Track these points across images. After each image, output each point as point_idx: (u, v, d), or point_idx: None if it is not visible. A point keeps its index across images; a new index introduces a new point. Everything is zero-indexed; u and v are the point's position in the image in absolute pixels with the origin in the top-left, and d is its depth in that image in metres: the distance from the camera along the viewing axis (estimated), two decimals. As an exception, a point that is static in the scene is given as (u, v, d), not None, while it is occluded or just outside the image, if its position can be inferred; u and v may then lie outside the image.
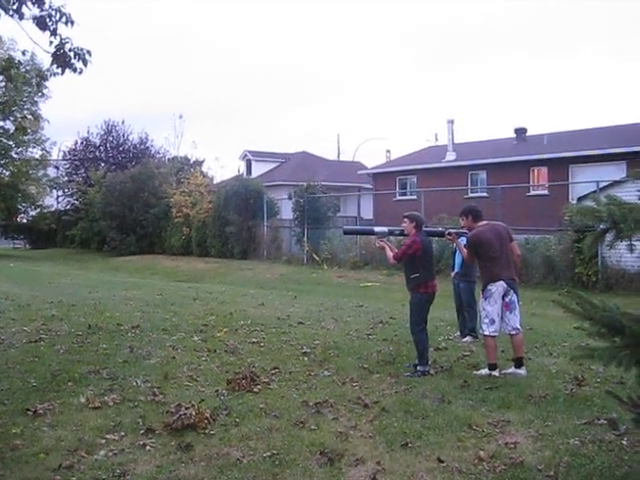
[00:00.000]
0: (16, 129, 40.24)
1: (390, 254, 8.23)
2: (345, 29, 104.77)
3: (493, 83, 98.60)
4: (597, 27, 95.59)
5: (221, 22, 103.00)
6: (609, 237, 3.65)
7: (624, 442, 5.24)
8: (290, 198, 29.12)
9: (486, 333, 7.68)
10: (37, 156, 44.49)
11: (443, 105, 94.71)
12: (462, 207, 8.45)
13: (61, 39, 7.18)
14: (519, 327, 7.77)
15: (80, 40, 7.35)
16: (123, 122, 50.15)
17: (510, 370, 7.69)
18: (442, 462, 4.94)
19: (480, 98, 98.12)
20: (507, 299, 7.69)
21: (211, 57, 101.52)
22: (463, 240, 8.56)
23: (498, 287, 7.63)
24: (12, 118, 40.99)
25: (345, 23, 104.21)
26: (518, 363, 7.71)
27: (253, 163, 45.94)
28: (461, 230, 8.74)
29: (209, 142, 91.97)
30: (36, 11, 7.07)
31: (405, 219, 8.15)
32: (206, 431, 5.61)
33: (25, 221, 51.21)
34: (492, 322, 7.63)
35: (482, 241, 7.71)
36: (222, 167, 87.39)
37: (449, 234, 8.54)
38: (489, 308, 7.65)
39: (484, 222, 7.96)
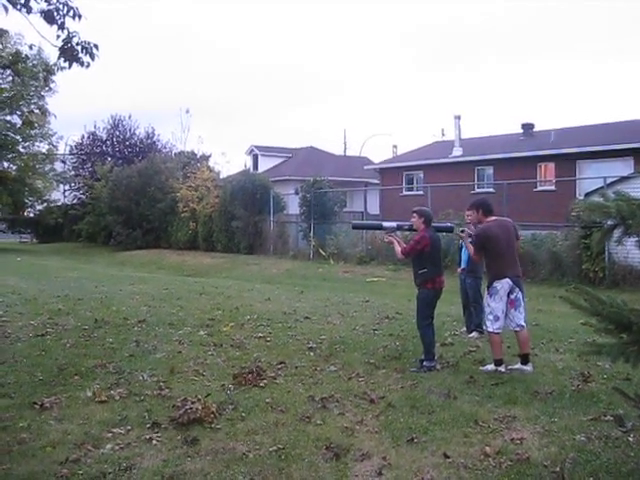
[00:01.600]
0: (23, 123, 40.36)
1: (398, 249, 8.23)
2: (350, 26, 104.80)
3: (500, 79, 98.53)
4: (604, 24, 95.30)
5: (225, 21, 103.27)
6: (617, 233, 3.63)
7: (630, 438, 5.23)
8: (297, 193, 29.10)
9: (490, 330, 7.66)
10: (44, 150, 44.64)
11: (450, 101, 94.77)
12: (474, 200, 8.41)
13: (68, 33, 7.18)
14: (524, 324, 7.76)
15: (86, 36, 7.36)
16: (130, 117, 50.37)
17: (516, 366, 7.67)
18: (448, 457, 4.94)
19: (487, 94, 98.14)
20: (512, 296, 7.67)
21: (216, 55, 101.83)
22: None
23: (504, 284, 7.61)
24: (19, 112, 41.10)
25: (349, 21, 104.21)
26: (524, 359, 7.70)
27: (260, 158, 45.91)
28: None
29: (216, 137, 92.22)
30: (44, 5, 7.08)
31: (414, 214, 8.13)
32: (212, 425, 5.62)
33: (32, 215, 51.33)
34: (496, 319, 7.61)
35: (489, 237, 7.67)
36: (228, 162, 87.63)
37: (462, 231, 8.49)
38: (494, 305, 7.63)
39: (493, 218, 7.91)
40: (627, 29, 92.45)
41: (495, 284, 7.61)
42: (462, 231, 8.52)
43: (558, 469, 4.64)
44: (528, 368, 7.64)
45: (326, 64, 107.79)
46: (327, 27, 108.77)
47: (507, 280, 7.59)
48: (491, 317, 7.64)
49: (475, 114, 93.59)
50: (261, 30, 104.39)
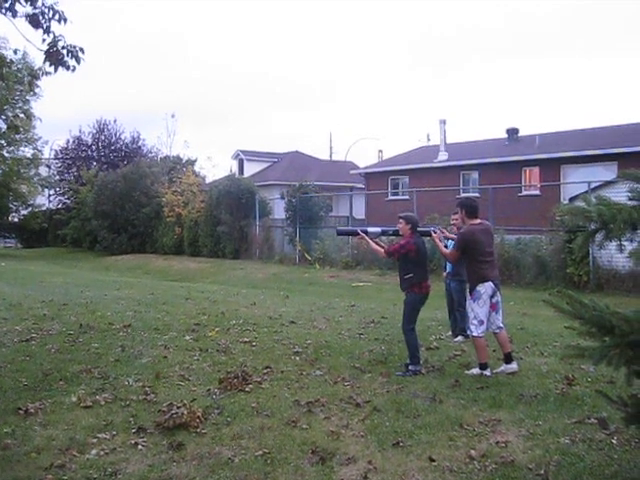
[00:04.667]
0: (8, 128, 40.16)
1: (378, 248, 8.31)
2: (338, 29, 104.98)
3: (485, 84, 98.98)
4: (587, 28, 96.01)
5: (215, 24, 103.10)
6: (599, 237, 3.67)
7: (614, 441, 5.27)
8: (282, 198, 29.11)
9: (475, 334, 7.68)
10: (29, 155, 44.42)
11: (435, 105, 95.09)
12: (460, 199, 8.46)
13: (54, 37, 7.16)
14: (502, 325, 7.84)
15: (72, 39, 7.34)
16: (115, 121, 50.30)
17: (501, 368, 7.72)
18: (433, 461, 4.96)
19: (472, 99, 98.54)
20: (494, 300, 7.73)
21: (204, 59, 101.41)
22: (450, 243, 8.60)
23: (487, 288, 7.64)
24: (4, 117, 40.88)
25: (338, 23, 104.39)
26: (508, 359, 7.76)
27: (245, 162, 45.90)
28: (449, 235, 8.86)
29: (201, 141, 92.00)
30: (29, 9, 7.05)
31: (400, 220, 8.14)
32: (198, 430, 5.62)
33: (16, 220, 51.03)
34: (481, 323, 7.64)
35: (473, 241, 7.68)
36: (214, 166, 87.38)
37: (434, 232, 8.50)
38: (478, 310, 7.65)
39: (478, 221, 7.92)
40: (617, 31, 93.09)
41: (479, 288, 7.63)
42: (434, 232, 8.53)
43: (543, 472, 4.68)
44: (513, 366, 7.70)
45: (313, 69, 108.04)
46: (313, 32, 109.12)
47: (490, 284, 7.64)
48: (475, 322, 7.66)
49: (460, 119, 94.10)
50: (248, 35, 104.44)
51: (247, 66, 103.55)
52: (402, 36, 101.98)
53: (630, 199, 3.69)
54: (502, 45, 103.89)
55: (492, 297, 7.69)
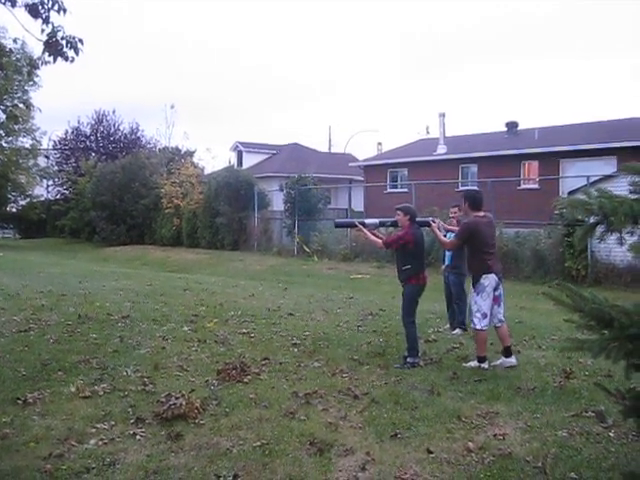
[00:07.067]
0: (7, 118, 40.02)
1: (375, 239, 8.33)
2: (338, 24, 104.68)
3: (485, 77, 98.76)
4: (588, 23, 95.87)
5: (216, 19, 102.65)
6: (599, 230, 3.66)
7: (611, 434, 5.30)
8: (281, 190, 29.09)
9: (478, 327, 7.68)
10: (27, 145, 44.26)
11: (435, 98, 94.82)
12: (466, 190, 8.46)
13: (53, 27, 7.12)
14: (503, 319, 7.85)
15: (72, 29, 7.31)
16: (114, 112, 50.21)
17: (499, 361, 7.73)
18: (431, 453, 4.97)
19: (472, 92, 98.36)
20: (496, 293, 7.73)
21: (202, 51, 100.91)
22: (450, 235, 8.62)
23: (491, 280, 7.64)
24: (3, 107, 40.76)
25: (338, 18, 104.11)
26: (507, 352, 7.77)
27: (244, 154, 45.84)
28: (450, 227, 8.89)
29: (200, 133, 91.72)
30: (28, -1, 7.01)
31: (398, 212, 8.15)
32: (196, 421, 5.63)
33: (15, 210, 50.92)
34: (484, 316, 7.63)
35: (478, 231, 7.67)
36: (213, 158, 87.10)
37: (433, 222, 8.51)
38: (482, 303, 7.64)
39: (482, 213, 7.92)
40: (618, 24, 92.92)
41: (482, 280, 7.62)
42: (433, 222, 8.53)
43: (540, 464, 4.69)
44: (512, 360, 7.72)
45: (312, 64, 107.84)
46: (313, 27, 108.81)
47: (493, 276, 7.64)
48: (479, 315, 7.64)
49: (460, 112, 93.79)
50: (248, 30, 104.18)
51: (246, 61, 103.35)
52: (402, 31, 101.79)
53: (631, 192, 3.68)
54: (502, 42, 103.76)
55: (495, 290, 7.69)
